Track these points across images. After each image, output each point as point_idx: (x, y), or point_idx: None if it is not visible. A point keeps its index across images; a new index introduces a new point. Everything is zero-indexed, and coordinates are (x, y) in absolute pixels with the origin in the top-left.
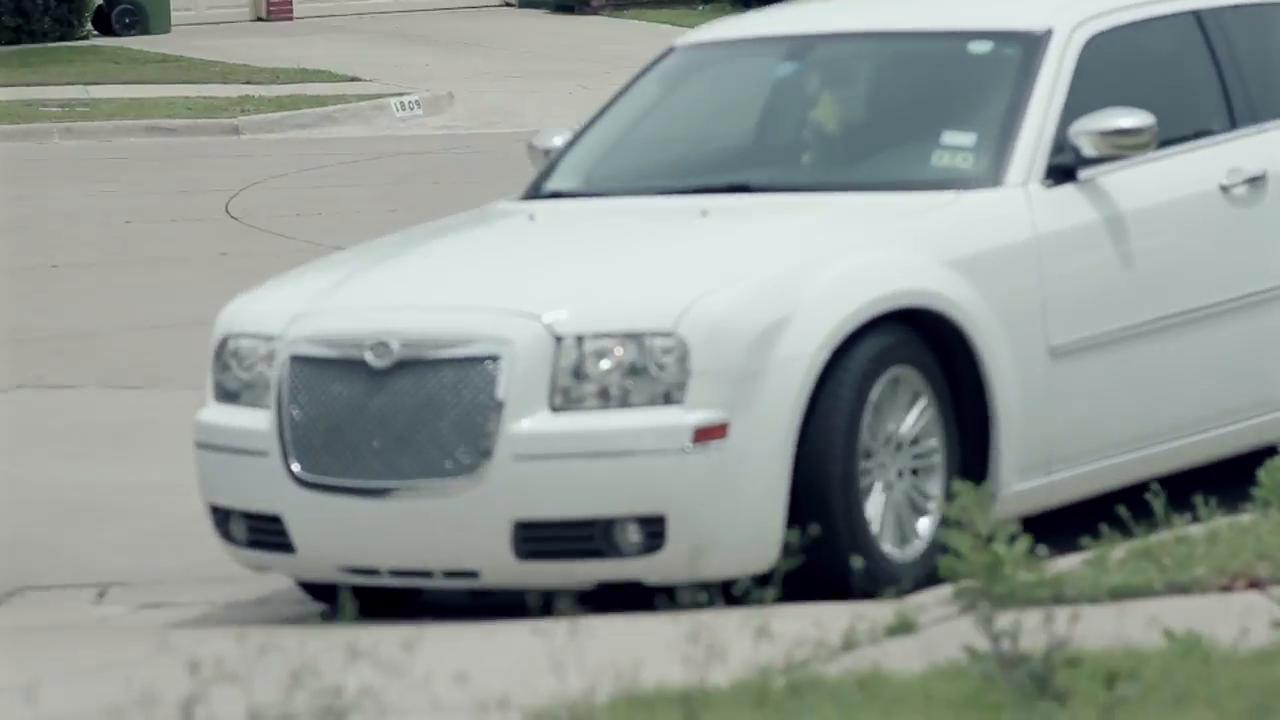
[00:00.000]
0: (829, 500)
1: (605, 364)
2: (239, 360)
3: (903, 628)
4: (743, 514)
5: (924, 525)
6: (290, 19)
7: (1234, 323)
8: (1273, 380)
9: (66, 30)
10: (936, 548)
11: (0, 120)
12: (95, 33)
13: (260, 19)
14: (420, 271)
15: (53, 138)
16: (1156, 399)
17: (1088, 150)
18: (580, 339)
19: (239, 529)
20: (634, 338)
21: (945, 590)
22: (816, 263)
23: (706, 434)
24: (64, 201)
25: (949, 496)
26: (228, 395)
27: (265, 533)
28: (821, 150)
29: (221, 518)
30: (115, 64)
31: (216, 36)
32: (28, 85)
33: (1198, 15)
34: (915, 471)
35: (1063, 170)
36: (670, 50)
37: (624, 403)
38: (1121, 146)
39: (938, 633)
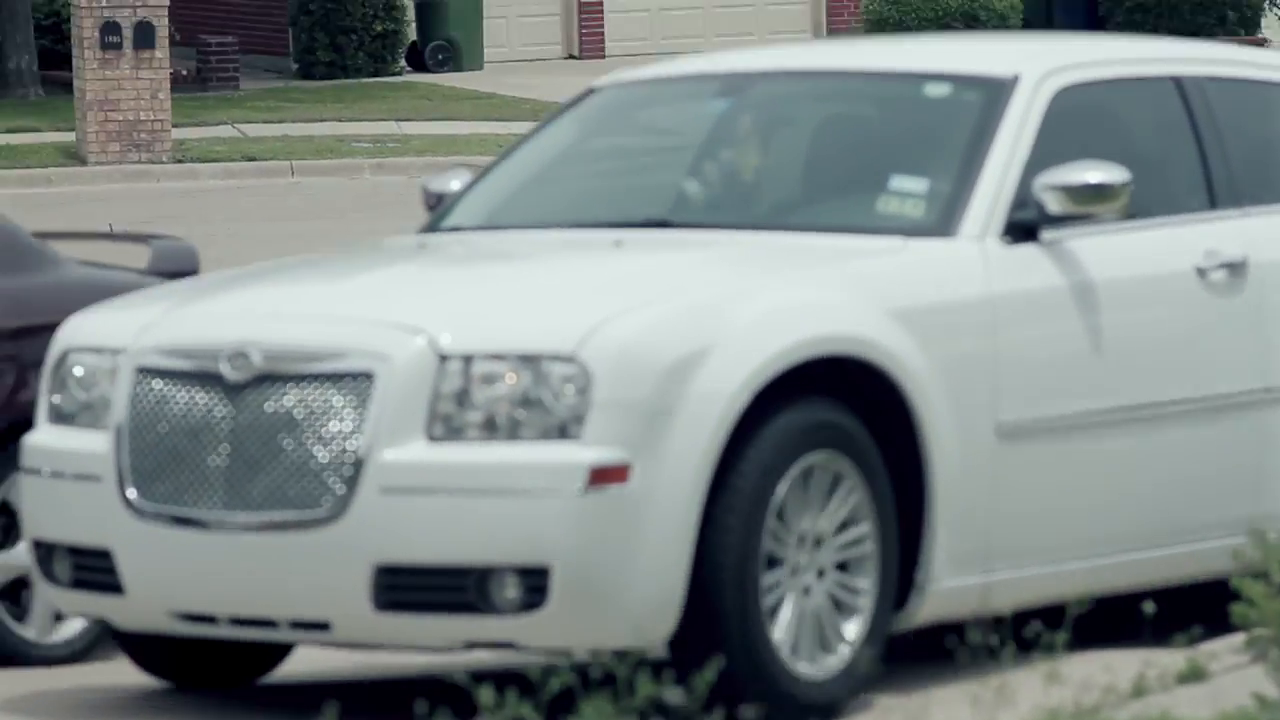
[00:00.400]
0: (723, 621)
1: (494, 390)
2: (78, 379)
3: (1193, 675)
4: (639, 573)
5: (851, 629)
6: (602, 57)
7: (1209, 425)
8: (1252, 497)
9: (380, 66)
10: (866, 653)
11: (314, 155)
12: (409, 69)
13: (572, 56)
14: (291, 284)
15: (364, 173)
16: (1115, 501)
17: (1053, 207)
18: (468, 359)
19: (63, 567)
20: (529, 361)
21: (1237, 638)
22: (742, 294)
23: (604, 476)
24: (374, 237)
25: (884, 590)
26: (62, 417)
27: (92, 570)
28: (753, 190)
29: (45, 554)
30: (427, 100)
31: (528, 74)
32: (340, 120)
33: (1179, 82)
34: (842, 566)
35: (1024, 228)
36: (589, 91)
37: (513, 435)
38: (1091, 206)
39: (1228, 680)
